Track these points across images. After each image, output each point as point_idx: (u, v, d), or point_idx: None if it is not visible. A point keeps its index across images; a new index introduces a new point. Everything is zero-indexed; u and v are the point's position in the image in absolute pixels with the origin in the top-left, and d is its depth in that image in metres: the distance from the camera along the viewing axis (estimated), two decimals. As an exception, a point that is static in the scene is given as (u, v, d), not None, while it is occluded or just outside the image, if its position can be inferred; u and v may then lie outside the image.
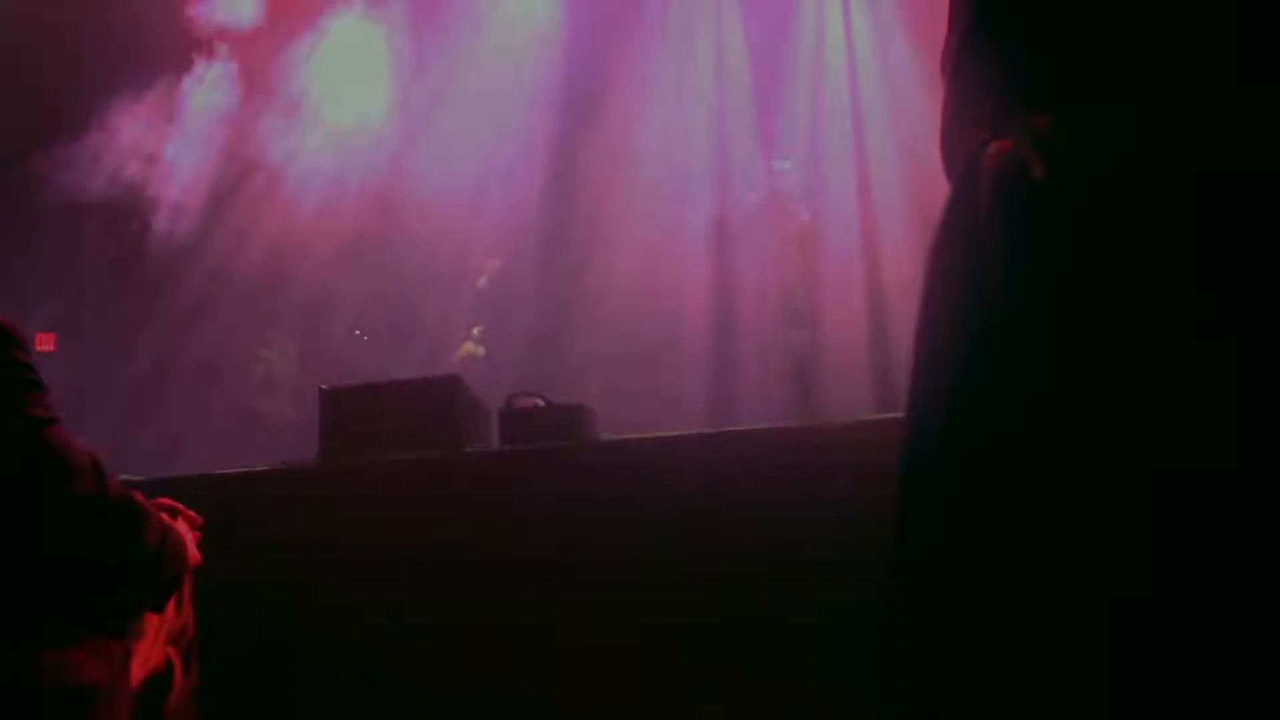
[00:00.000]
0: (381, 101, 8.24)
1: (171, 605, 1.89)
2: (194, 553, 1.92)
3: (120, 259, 7.82)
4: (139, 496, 1.70)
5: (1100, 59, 0.86)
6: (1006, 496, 0.81)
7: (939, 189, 1.01)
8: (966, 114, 0.95)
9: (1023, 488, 0.80)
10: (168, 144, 8.07)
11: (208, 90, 8.17)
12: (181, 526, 1.92)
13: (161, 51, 7.89)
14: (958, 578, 0.86)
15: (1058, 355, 0.79)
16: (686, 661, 3.02)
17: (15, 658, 1.49)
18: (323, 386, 3.88)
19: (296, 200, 7.98)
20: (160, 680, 1.87)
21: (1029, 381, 0.81)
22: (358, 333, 7.44)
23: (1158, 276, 0.75)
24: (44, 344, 6.66)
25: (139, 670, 1.80)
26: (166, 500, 1.98)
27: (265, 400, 7.32)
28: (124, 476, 3.42)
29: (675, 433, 3.86)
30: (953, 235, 0.89)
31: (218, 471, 3.89)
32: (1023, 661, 0.81)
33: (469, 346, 7.10)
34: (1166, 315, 0.75)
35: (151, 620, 1.86)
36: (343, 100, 8.20)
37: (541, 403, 3.82)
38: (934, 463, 0.90)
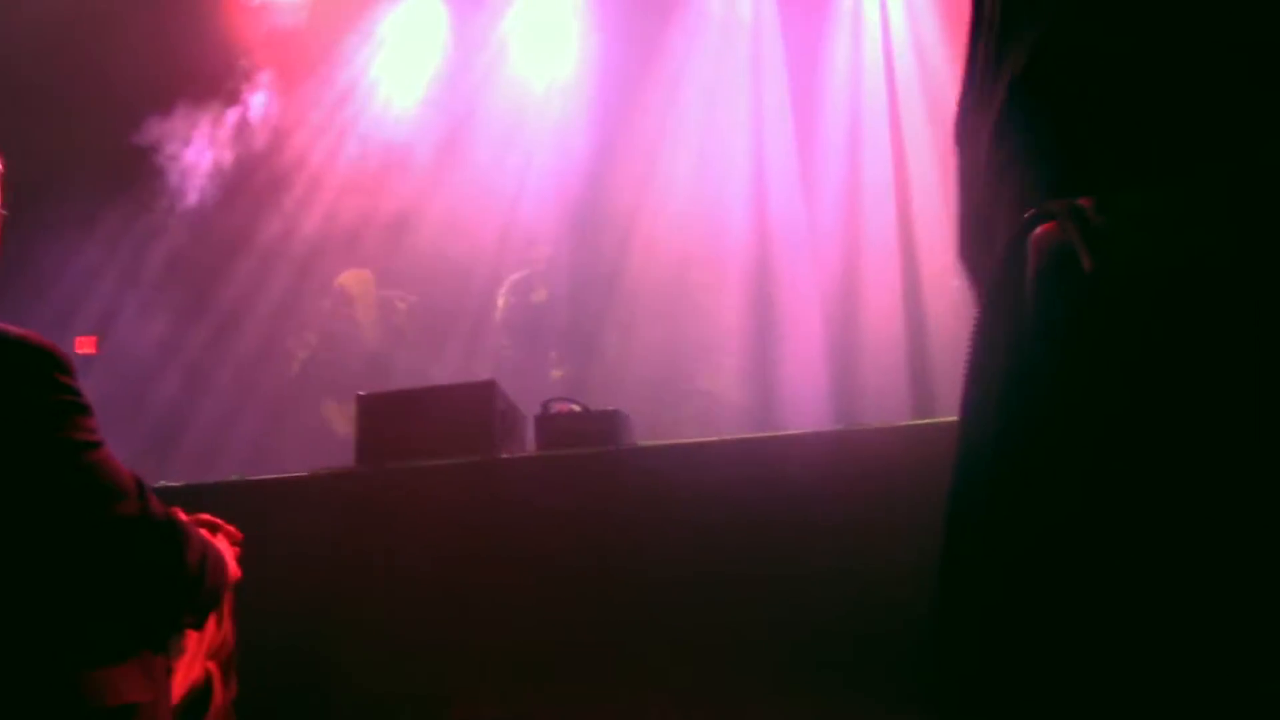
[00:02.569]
0: (419, 99, 8.28)
1: (212, 620, 1.92)
2: (234, 568, 1.94)
3: (161, 259, 7.89)
4: (180, 515, 1.72)
5: (1151, 137, 0.85)
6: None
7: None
8: (1004, 190, 0.93)
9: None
10: (208, 146, 8.15)
11: (253, 95, 8.26)
12: (221, 542, 1.94)
13: (205, 55, 7.97)
14: (1006, 587, 0.86)
15: (1105, 461, 0.78)
16: (725, 665, 3.02)
17: (62, 677, 1.52)
18: (360, 392, 3.91)
19: (336, 201, 8.04)
20: (200, 695, 1.90)
21: (1075, 480, 0.80)
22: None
23: (1208, 384, 0.74)
24: (84, 347, 6.73)
25: (180, 686, 1.82)
26: (207, 516, 2.00)
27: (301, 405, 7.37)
28: (163, 483, 3.49)
29: (712, 438, 3.85)
30: (996, 327, 0.87)
31: (255, 477, 3.92)
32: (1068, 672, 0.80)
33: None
34: (1218, 425, 0.74)
35: (192, 636, 1.89)
36: (385, 100, 8.26)
37: (577, 408, 3.82)
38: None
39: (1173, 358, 0.76)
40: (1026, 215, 0.83)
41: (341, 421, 6.94)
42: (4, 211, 1.82)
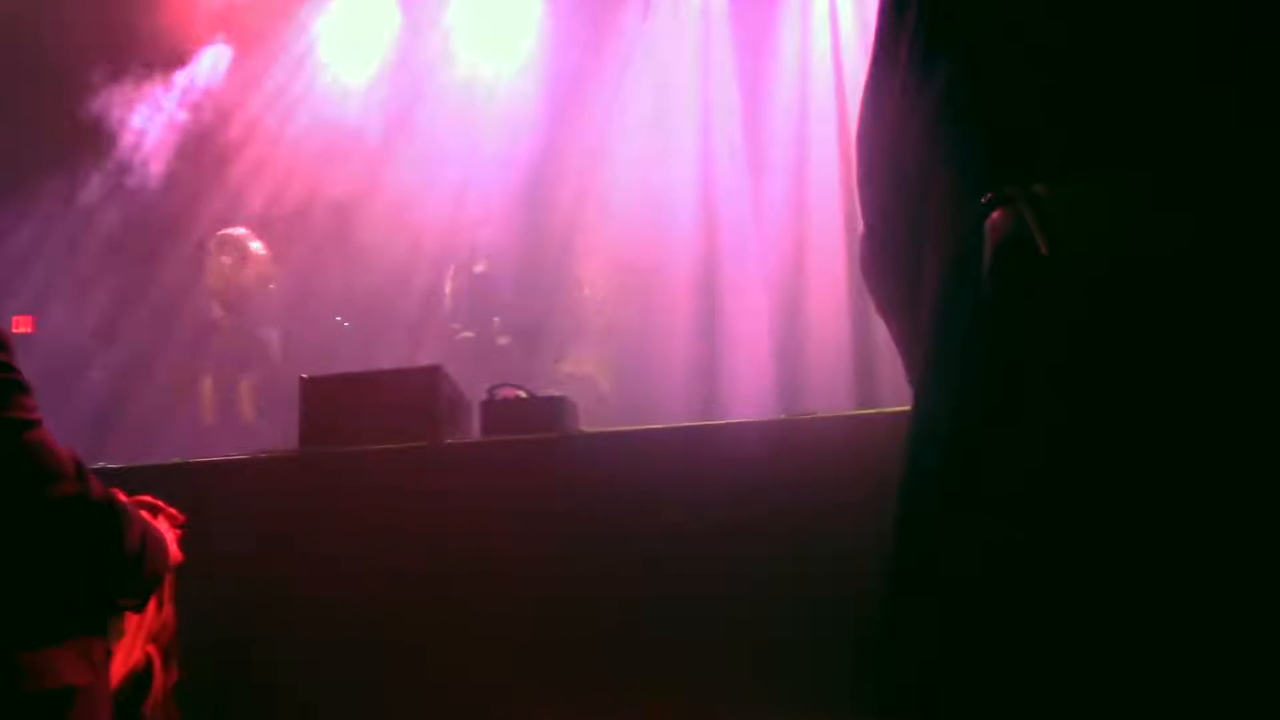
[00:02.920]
0: (366, 81, 8.20)
1: (152, 604, 1.89)
2: (175, 551, 1.92)
3: (102, 238, 7.74)
4: (120, 496, 1.70)
5: (1104, 122, 0.86)
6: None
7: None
8: (955, 172, 0.93)
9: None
10: (151, 121, 8.01)
11: (198, 69, 8.14)
12: (162, 524, 1.92)
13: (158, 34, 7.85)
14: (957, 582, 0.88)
15: (1063, 436, 0.79)
16: (672, 649, 3.04)
17: None
18: (303, 375, 3.87)
19: (282, 181, 7.94)
20: (140, 678, 1.88)
21: (1029, 458, 0.81)
22: (339, 319, 7.39)
23: (1163, 361, 0.76)
24: (21, 326, 6.61)
25: (119, 669, 1.81)
26: (147, 498, 1.98)
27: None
28: (102, 464, 3.44)
29: (655, 425, 3.87)
30: (954, 305, 0.88)
31: (196, 459, 3.88)
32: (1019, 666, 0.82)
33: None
34: (1173, 403, 0.75)
35: (132, 619, 1.86)
36: (334, 79, 8.17)
37: (523, 395, 3.82)
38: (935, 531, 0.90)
39: (1125, 342, 0.77)
40: (984, 200, 0.84)
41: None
42: None
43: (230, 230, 7.05)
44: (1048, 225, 0.79)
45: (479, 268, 7.35)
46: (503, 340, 7.07)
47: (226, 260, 6.87)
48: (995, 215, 0.82)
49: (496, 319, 7.15)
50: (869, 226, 1.15)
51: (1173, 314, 0.76)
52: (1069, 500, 0.79)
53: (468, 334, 7.13)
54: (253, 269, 6.96)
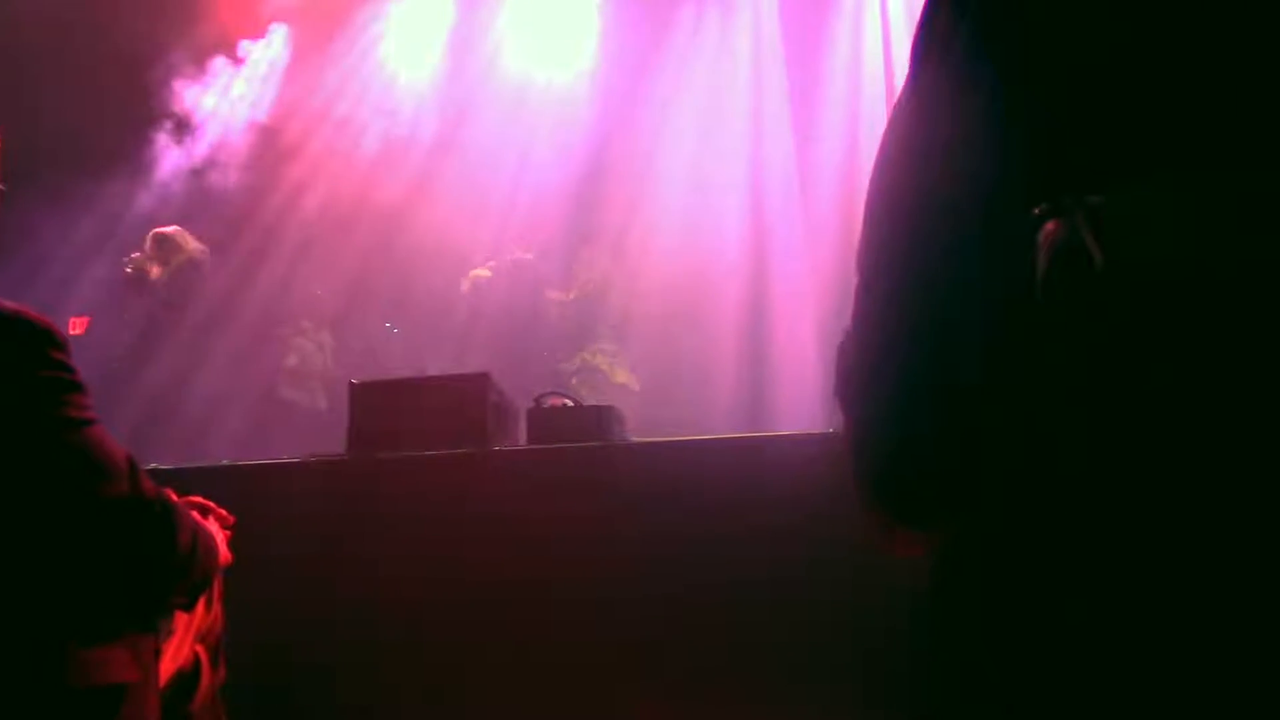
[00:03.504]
0: (425, 88, 8.27)
1: (201, 603, 1.91)
2: (224, 552, 1.93)
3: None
4: (172, 496, 1.71)
5: (1164, 128, 0.83)
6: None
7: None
8: (1006, 183, 0.90)
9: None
10: (207, 122, 8.11)
11: (254, 70, 8.24)
12: (212, 525, 1.93)
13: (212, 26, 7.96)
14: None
15: (1116, 454, 0.77)
16: (715, 662, 3.03)
17: (49, 656, 1.51)
18: (353, 380, 3.90)
19: (335, 187, 8.02)
20: (188, 677, 1.89)
21: (1084, 476, 0.79)
22: (388, 325, 7.45)
23: (1214, 385, 0.73)
24: (75, 328, 6.70)
25: (168, 667, 1.82)
26: (198, 498, 1.99)
27: (297, 390, 7.32)
28: (153, 466, 3.48)
29: (703, 436, 3.86)
30: (1004, 324, 0.86)
31: (247, 462, 3.91)
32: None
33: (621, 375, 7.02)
34: (1225, 425, 0.73)
35: (181, 618, 1.88)
36: (388, 86, 8.25)
37: (570, 403, 3.83)
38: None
39: (1181, 357, 0.75)
40: (1036, 211, 0.81)
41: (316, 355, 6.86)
42: (1, 186, 1.81)
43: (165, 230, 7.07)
44: (1104, 235, 0.77)
45: (529, 285, 7.34)
46: (564, 366, 7.04)
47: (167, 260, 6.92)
48: (1049, 226, 0.80)
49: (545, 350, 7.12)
50: (867, 282, 1.05)
51: (1230, 325, 0.74)
52: (1138, 529, 0.77)
53: None
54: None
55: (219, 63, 8.16)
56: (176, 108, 7.95)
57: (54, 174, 6.82)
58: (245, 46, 8.25)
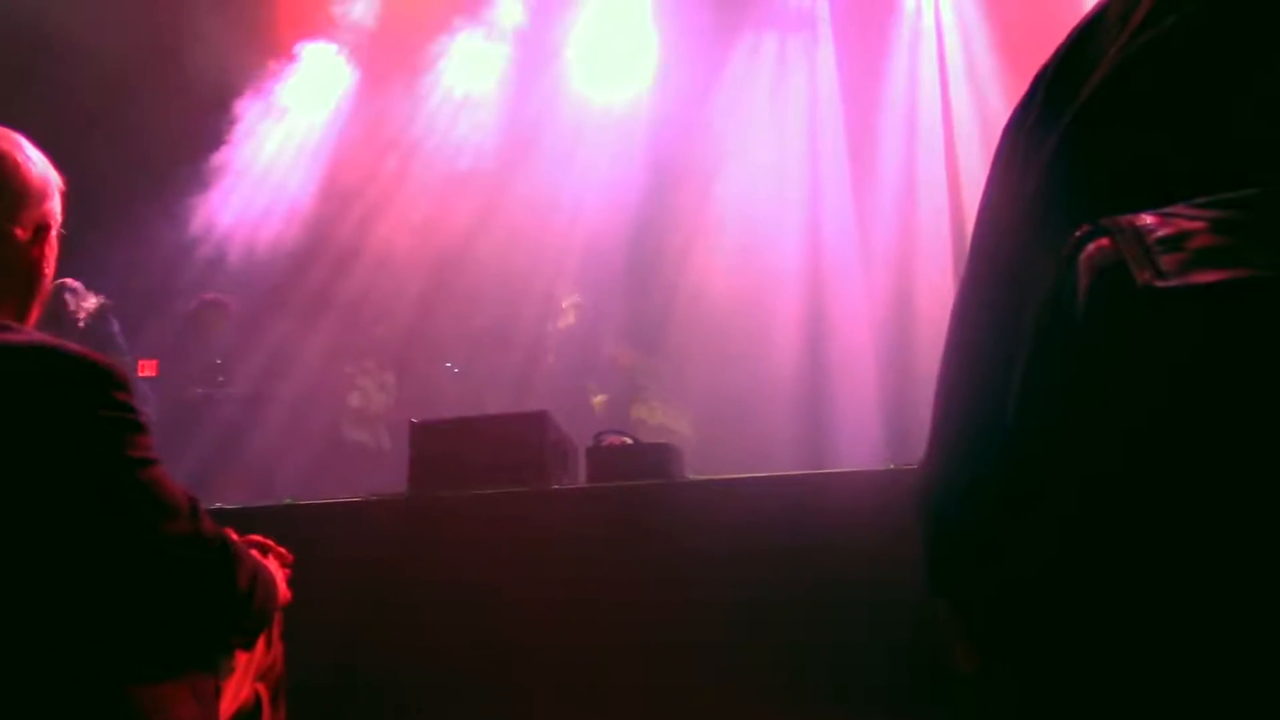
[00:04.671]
0: (484, 131, 8.36)
1: (261, 642, 1.91)
2: (284, 590, 1.93)
3: (222, 282, 7.95)
4: (232, 535, 1.71)
5: (1216, 157, 0.83)
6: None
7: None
8: (1057, 206, 0.91)
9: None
10: (270, 162, 8.24)
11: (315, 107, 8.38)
12: (272, 564, 1.93)
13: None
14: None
15: (1159, 474, 0.75)
16: (774, 699, 2.98)
17: (109, 695, 1.51)
18: (413, 419, 3.93)
19: (395, 228, 8.10)
20: (248, 716, 1.89)
21: (1125, 500, 0.77)
22: (449, 365, 7.49)
23: (1261, 406, 0.71)
24: (146, 370, 6.81)
25: (228, 707, 1.82)
26: (258, 537, 2.00)
27: (360, 430, 7.38)
28: (216, 505, 3.51)
29: (763, 474, 3.83)
30: (1045, 341, 0.84)
31: (308, 501, 3.94)
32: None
33: (655, 413, 7.03)
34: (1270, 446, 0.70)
35: (241, 657, 1.88)
36: (448, 131, 8.35)
37: (629, 440, 3.82)
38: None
39: (1228, 379, 0.72)
40: (1079, 232, 0.80)
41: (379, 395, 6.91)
42: (62, 230, 1.84)
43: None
44: (1148, 255, 0.74)
45: (582, 321, 7.34)
46: (598, 400, 7.05)
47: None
48: (1091, 247, 0.78)
49: (593, 382, 7.11)
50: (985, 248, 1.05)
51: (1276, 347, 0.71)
52: (1170, 536, 0.75)
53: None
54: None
55: (283, 94, 8.28)
56: (240, 141, 8.07)
57: (121, 220, 6.96)
58: (306, 81, 8.36)
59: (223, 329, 7.05)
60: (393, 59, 8.43)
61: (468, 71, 8.53)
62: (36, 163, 1.75)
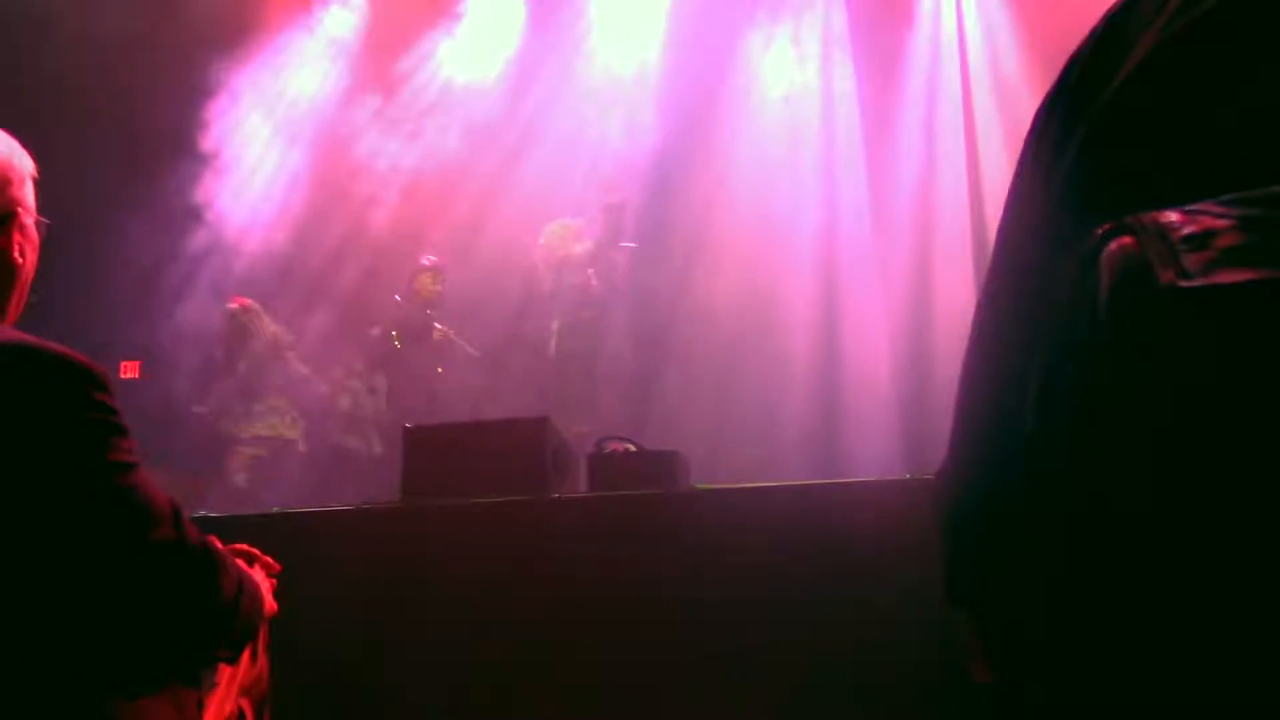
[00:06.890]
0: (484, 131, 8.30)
1: (246, 655, 1.84)
2: (270, 601, 1.85)
3: (207, 283, 7.85)
4: (216, 543, 1.64)
5: (1245, 153, 0.81)
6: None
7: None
8: (1081, 204, 0.89)
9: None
10: (257, 161, 8.18)
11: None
12: (258, 573, 1.87)
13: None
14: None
15: (1182, 479, 0.73)
16: (778, 710, 2.93)
17: (89, 707, 1.46)
18: (407, 425, 3.82)
19: (385, 230, 8.05)
20: (233, 731, 1.81)
21: (1141, 499, 0.75)
22: (439, 370, 7.37)
23: None
24: (128, 372, 6.71)
25: (211, 722, 1.74)
26: (243, 546, 1.92)
27: (350, 436, 7.27)
28: (202, 513, 3.41)
29: (769, 483, 3.75)
30: (1066, 342, 0.82)
31: (297, 509, 3.85)
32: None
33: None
34: None
35: (225, 670, 1.82)
36: (444, 126, 8.29)
37: (632, 448, 3.72)
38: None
39: (1252, 378, 0.71)
40: (1100, 230, 0.78)
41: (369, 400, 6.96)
42: (40, 218, 1.75)
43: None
44: (1173, 253, 0.74)
45: (588, 319, 7.24)
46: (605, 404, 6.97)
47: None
48: (1113, 245, 0.77)
49: (601, 385, 7.05)
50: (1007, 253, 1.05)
51: None
52: (1191, 538, 0.74)
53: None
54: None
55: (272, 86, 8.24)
56: (225, 137, 8.01)
57: (111, 214, 6.89)
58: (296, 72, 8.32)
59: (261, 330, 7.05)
60: (384, 54, 8.40)
61: (466, 73, 8.48)
62: None
